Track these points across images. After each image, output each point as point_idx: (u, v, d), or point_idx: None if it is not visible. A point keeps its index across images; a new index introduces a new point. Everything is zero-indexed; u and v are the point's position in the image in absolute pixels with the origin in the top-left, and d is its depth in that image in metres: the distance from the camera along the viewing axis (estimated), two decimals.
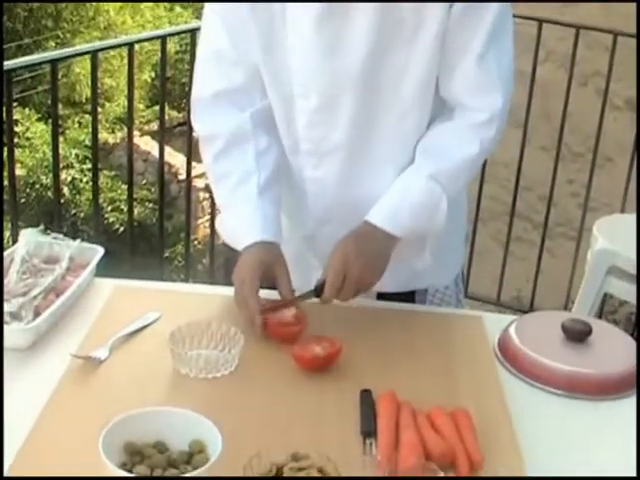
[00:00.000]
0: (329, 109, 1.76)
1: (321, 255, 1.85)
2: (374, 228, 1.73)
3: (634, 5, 3.95)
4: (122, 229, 9.54)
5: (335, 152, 1.80)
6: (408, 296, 1.95)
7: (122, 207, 9.82)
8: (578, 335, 1.68)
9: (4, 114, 2.94)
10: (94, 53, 3.21)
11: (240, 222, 1.79)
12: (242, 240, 1.76)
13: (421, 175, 1.74)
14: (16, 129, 10.26)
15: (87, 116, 9.87)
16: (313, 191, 1.86)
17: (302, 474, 1.22)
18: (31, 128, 10.71)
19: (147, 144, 10.51)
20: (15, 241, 1.87)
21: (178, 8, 14.05)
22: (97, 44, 3.20)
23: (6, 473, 1.27)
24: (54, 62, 3.11)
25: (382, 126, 1.78)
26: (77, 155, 10.56)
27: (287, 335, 1.66)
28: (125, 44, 3.52)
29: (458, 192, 1.81)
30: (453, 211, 1.85)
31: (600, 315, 3.11)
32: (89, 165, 3.83)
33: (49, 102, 3.41)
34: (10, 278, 1.74)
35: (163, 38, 3.52)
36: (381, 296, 1.88)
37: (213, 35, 1.81)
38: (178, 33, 4.64)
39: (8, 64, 2.91)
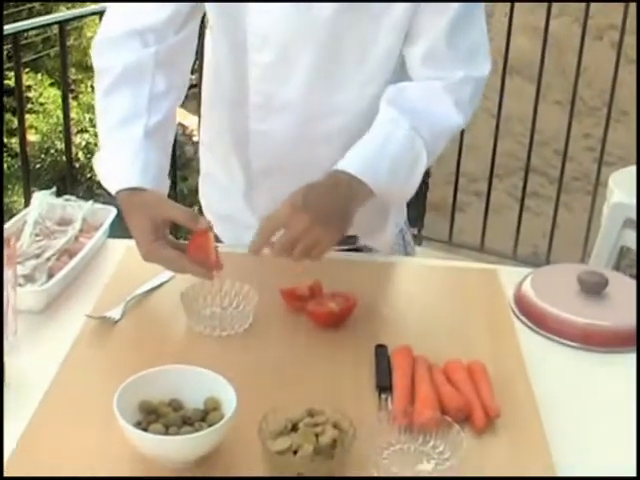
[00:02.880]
0: (284, 65, 1.71)
1: (258, 212, 1.79)
2: (338, 183, 1.56)
3: None
4: None
5: (285, 109, 1.75)
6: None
7: None
8: (594, 287, 1.67)
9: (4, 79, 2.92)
10: (102, 14, 3.17)
11: (120, 163, 1.64)
12: (119, 182, 1.61)
13: (402, 127, 1.64)
14: (29, 95, 10.25)
15: None
16: (256, 143, 1.81)
17: (317, 430, 1.22)
18: (44, 93, 10.68)
19: None
20: (28, 206, 1.87)
21: None
22: (105, 4, 3.17)
23: (21, 436, 1.27)
24: (62, 23, 3.09)
25: (339, 93, 1.73)
26: (91, 119, 10.53)
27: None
28: None
29: (436, 157, 1.72)
30: None
31: (618, 269, 3.09)
32: None
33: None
34: (23, 240, 1.74)
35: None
36: None
37: None
38: None
39: (16, 26, 2.90)
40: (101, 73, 1.73)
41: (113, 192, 1.62)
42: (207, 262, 1.54)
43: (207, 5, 1.73)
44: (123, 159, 1.63)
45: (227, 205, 1.93)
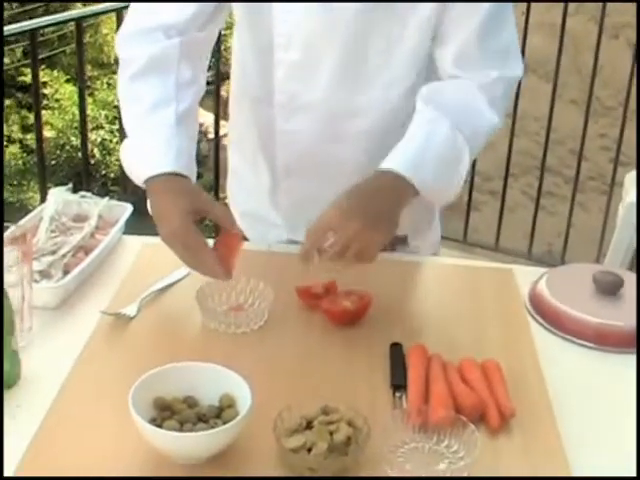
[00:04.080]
0: (310, 65, 1.71)
1: (283, 210, 1.84)
2: (382, 184, 1.54)
3: None
4: None
5: (310, 108, 1.75)
6: None
7: None
8: (609, 287, 1.66)
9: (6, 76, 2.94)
10: (119, 11, 3.19)
11: (152, 148, 1.60)
12: (152, 168, 1.58)
13: (443, 124, 1.61)
14: (45, 91, 10.29)
15: (115, 76, 9.84)
16: (282, 142, 1.81)
17: (332, 427, 1.22)
18: (60, 90, 10.73)
19: None
20: (44, 202, 1.87)
21: None
22: (122, 3, 3.19)
23: (36, 433, 1.28)
24: (79, 20, 3.10)
25: (363, 93, 1.73)
26: (106, 116, 10.57)
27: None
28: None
29: (477, 154, 1.70)
30: None
31: (632, 269, 3.08)
32: (118, 126, 3.84)
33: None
34: (39, 237, 1.74)
35: None
36: None
37: None
38: None
39: (32, 23, 2.91)
40: (126, 62, 1.73)
41: (144, 178, 1.59)
42: (227, 263, 1.54)
43: (234, 4, 1.74)
44: (156, 145, 1.60)
45: (253, 203, 1.93)
